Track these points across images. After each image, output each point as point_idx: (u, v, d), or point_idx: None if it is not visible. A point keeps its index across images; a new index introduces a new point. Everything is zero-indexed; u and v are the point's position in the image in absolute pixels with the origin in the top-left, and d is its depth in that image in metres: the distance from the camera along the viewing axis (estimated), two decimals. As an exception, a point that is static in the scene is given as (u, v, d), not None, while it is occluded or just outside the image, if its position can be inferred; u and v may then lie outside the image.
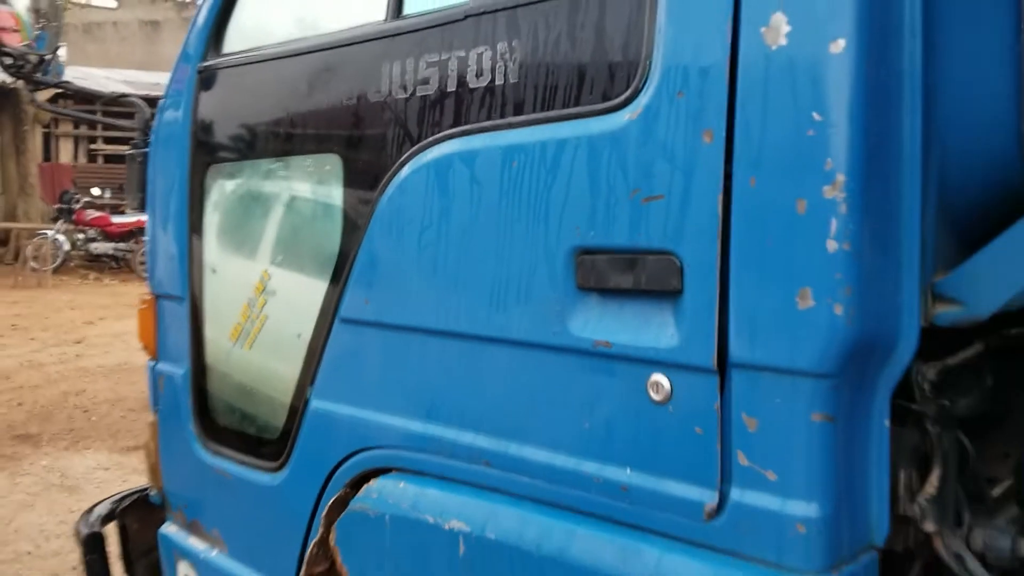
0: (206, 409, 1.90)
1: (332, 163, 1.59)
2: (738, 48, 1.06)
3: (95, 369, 8.34)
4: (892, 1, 1.02)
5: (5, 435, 6.36)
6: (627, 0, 1.17)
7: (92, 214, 15.79)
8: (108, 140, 19.07)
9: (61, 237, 15.33)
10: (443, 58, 1.38)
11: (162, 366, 2.05)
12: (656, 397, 1.13)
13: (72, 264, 15.70)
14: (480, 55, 1.34)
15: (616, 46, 1.18)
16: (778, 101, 1.02)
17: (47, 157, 18.03)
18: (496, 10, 1.32)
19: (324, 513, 1.56)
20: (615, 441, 1.17)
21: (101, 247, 15.87)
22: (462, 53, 1.36)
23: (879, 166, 1.01)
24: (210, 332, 1.88)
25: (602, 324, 1.18)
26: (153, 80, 21.34)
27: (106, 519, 2.23)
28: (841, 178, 0.98)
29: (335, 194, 1.58)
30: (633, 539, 1.15)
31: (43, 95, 2.33)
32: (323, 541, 1.56)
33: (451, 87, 1.37)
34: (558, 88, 1.25)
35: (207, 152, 1.87)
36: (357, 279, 1.51)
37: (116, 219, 15.94)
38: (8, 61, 2.11)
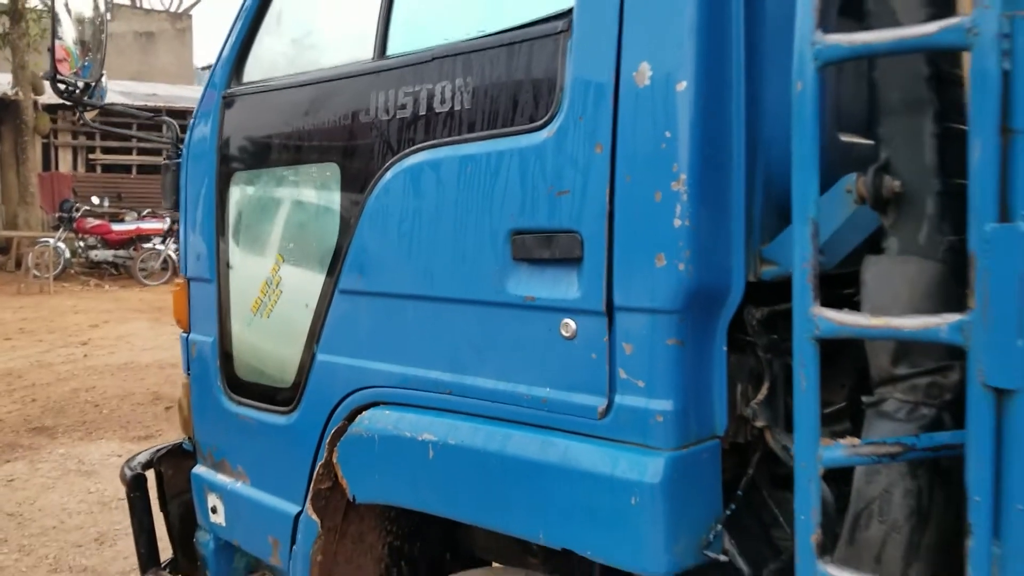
0: (231, 369, 2.36)
1: (331, 170, 2.05)
2: (619, 87, 1.52)
3: (102, 368, 8.77)
4: (722, 54, 1.48)
5: (22, 428, 6.79)
6: (546, 51, 1.63)
7: (92, 222, 16.21)
8: (106, 150, 19.47)
9: (62, 245, 15.74)
10: (416, 89, 1.84)
11: (194, 336, 2.51)
12: (566, 334, 1.59)
13: (73, 271, 16.11)
14: (443, 87, 1.80)
15: (539, 83, 1.64)
16: (644, 123, 1.48)
17: (47, 167, 18.44)
18: (455, 55, 1.78)
19: (328, 441, 2.02)
20: (538, 368, 1.63)
21: (101, 254, 16.29)
22: (430, 86, 1.82)
23: (712, 168, 1.47)
24: (234, 307, 2.34)
25: (529, 284, 1.64)
26: (148, 91, 21.81)
27: (146, 465, 2.68)
28: (683, 176, 1.44)
29: (334, 194, 2.04)
30: (550, 436, 1.60)
31: (88, 114, 2.78)
32: (327, 463, 2.02)
33: (422, 111, 1.83)
34: (499, 113, 1.70)
35: (230, 162, 2.33)
36: (352, 259, 1.97)
37: (116, 227, 16.38)
38: (61, 87, 2.56)
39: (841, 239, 1.53)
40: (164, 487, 2.68)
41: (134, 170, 19.79)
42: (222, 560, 2.56)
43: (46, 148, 18.46)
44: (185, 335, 2.58)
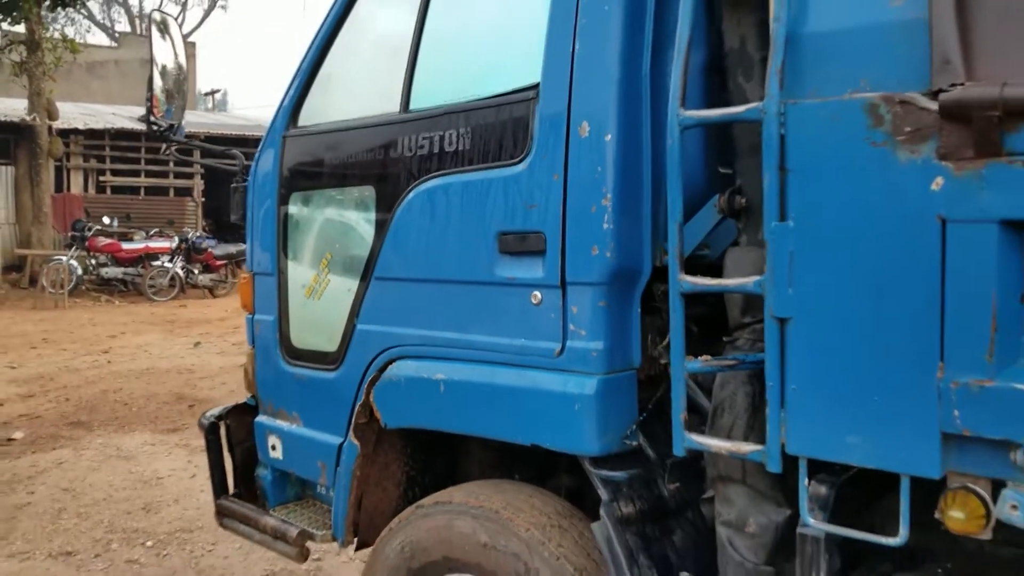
0: (288, 339, 3.13)
1: (368, 191, 2.83)
2: (569, 136, 2.30)
3: (126, 372, 9.51)
4: (636, 116, 2.26)
5: (61, 422, 7.53)
6: (521, 110, 2.41)
7: (103, 241, 16.98)
8: (115, 173, 20.25)
9: (74, 263, 16.48)
10: (431, 135, 2.63)
11: (258, 317, 3.29)
12: (535, 302, 2.36)
13: (84, 288, 16.87)
14: (451, 134, 2.58)
15: (517, 132, 2.42)
16: (585, 160, 2.26)
17: (59, 188, 19.21)
18: (459, 111, 2.56)
19: (365, 388, 2.78)
20: (515, 325, 2.40)
21: (111, 272, 17.06)
22: (441, 132, 2.60)
23: (628, 190, 2.24)
24: (291, 293, 3.11)
25: (510, 269, 2.41)
26: (156, 116, 22.60)
27: (218, 418, 3.44)
28: (609, 196, 2.22)
29: (370, 209, 2.82)
30: (523, 370, 2.38)
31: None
32: (365, 403, 2.78)
33: (436, 150, 2.61)
34: (489, 152, 2.49)
35: (289, 185, 3.12)
36: (384, 255, 2.74)
37: (126, 246, 17.15)
38: (154, 128, 3.34)
39: (718, 238, 2.31)
40: (230, 436, 3.44)
41: (142, 191, 20.59)
42: (277, 488, 3.34)
43: (58, 170, 19.25)
44: (250, 316, 3.35)
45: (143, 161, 20.45)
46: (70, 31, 29.93)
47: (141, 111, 23.17)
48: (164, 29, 3.40)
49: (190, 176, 21.01)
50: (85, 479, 5.97)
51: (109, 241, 17.08)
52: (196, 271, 17.37)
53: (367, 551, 2.96)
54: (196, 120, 23.57)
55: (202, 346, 11.30)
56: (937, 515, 1.73)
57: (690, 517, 2.36)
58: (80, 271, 16.66)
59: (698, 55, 2.29)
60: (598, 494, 2.30)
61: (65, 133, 18.89)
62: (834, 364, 1.77)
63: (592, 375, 2.26)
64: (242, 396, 3.50)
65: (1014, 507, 1.62)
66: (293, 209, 3.13)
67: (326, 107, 3.10)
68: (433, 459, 3.07)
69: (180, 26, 3.44)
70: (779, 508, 2.06)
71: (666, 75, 2.17)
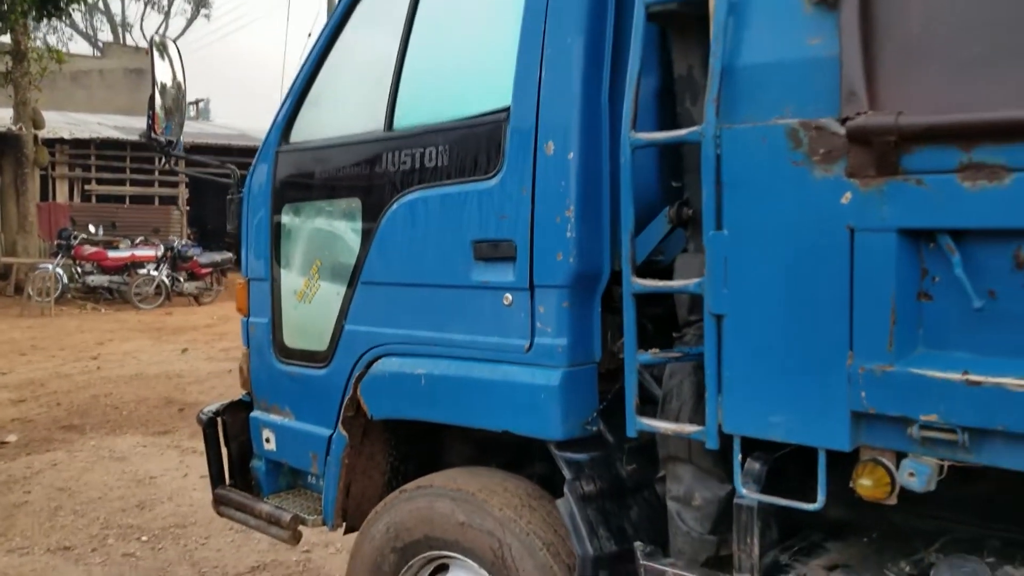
0: (280, 339, 3.38)
1: (355, 203, 3.09)
2: (536, 154, 2.56)
3: (116, 378, 9.70)
4: (596, 137, 2.52)
5: (53, 426, 7.73)
6: (494, 131, 2.67)
7: (89, 249, 17.12)
8: (100, 181, 20.40)
9: (60, 271, 16.61)
10: (413, 151, 2.89)
11: (252, 319, 3.53)
12: (506, 303, 2.62)
13: (70, 296, 16.99)
14: (431, 151, 2.84)
15: (490, 150, 2.68)
16: (550, 176, 2.53)
17: (44, 197, 19.33)
18: (438, 130, 2.82)
19: (353, 383, 3.03)
20: (489, 324, 2.66)
21: (97, 279, 17.20)
22: (422, 149, 2.86)
23: (589, 203, 2.51)
24: (284, 296, 3.36)
25: (484, 273, 2.67)
26: (141, 125, 22.76)
27: (215, 413, 3.67)
28: (572, 207, 2.48)
29: (357, 219, 3.07)
30: (496, 364, 2.63)
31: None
32: (353, 397, 3.03)
33: (417, 165, 2.87)
34: (465, 167, 2.75)
35: (281, 197, 3.37)
36: (370, 261, 3.00)
37: (111, 254, 17.30)
38: (155, 143, 3.58)
39: (671, 245, 2.59)
40: (227, 431, 3.68)
41: (127, 200, 20.74)
42: (271, 479, 3.58)
43: (44, 179, 19.39)
44: (245, 319, 3.59)
45: (128, 170, 20.63)
46: (52, 39, 29.93)
47: (126, 120, 23.37)
48: (164, 50, 3.63)
49: (175, 185, 21.18)
50: (80, 479, 6.18)
51: (95, 249, 17.23)
52: (182, 279, 17.54)
53: (351, 549, 3.20)
54: (181, 129, 23.72)
55: (190, 352, 11.50)
56: (851, 484, 2.00)
57: (645, 495, 2.62)
58: (66, 279, 16.80)
59: (651, 81, 2.57)
60: (563, 476, 2.56)
61: (51, 142, 19.04)
62: (761, 354, 2.03)
63: (557, 368, 2.53)
64: (231, 398, 3.72)
65: (911, 474, 1.89)
66: (285, 219, 3.38)
67: (316, 125, 3.35)
68: (415, 449, 3.32)
69: (175, 43, 3.68)
70: (721, 484, 2.32)
71: (623, 99, 2.43)
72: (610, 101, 2.53)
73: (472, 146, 2.74)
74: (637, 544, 2.44)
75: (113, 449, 6.95)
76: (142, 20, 47.25)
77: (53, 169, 19.54)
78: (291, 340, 3.37)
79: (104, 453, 6.84)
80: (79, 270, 17.17)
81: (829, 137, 1.91)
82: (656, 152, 2.59)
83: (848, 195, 1.89)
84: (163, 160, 3.75)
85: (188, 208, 21.33)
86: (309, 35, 30.92)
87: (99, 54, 32.26)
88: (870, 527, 2.42)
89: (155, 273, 17.15)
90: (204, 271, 17.77)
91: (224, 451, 3.70)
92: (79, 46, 40.22)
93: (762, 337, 2.04)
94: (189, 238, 20.18)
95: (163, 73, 3.61)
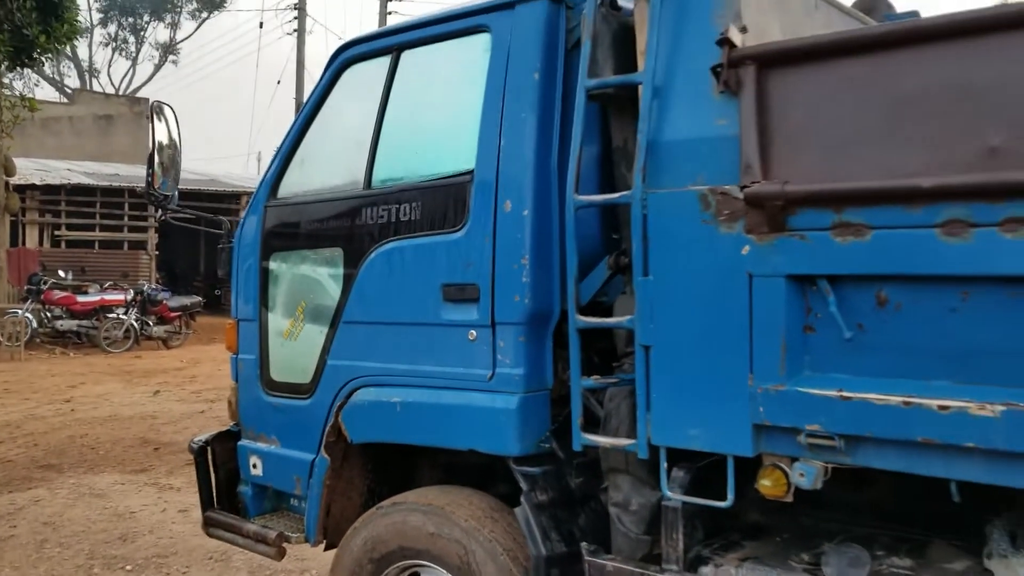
0: (267, 374, 3.76)
1: (338, 252, 3.50)
2: (496, 210, 2.99)
3: (90, 419, 9.91)
4: (548, 197, 2.96)
5: (32, 465, 7.95)
6: (460, 189, 3.10)
7: (59, 294, 17.26)
8: (70, 227, 20.59)
9: (30, 315, 16.73)
10: (389, 207, 3.31)
11: (241, 356, 3.90)
12: (471, 339, 3.04)
13: (38, 340, 17.08)
14: (404, 206, 3.26)
15: (457, 206, 3.11)
16: (508, 230, 2.96)
17: (14, 243, 19.47)
18: (411, 189, 3.25)
19: (334, 412, 3.42)
20: (456, 358, 3.07)
21: (66, 324, 17.31)
22: (397, 205, 3.28)
23: (541, 252, 2.94)
24: (271, 335, 3.75)
25: (452, 313, 3.09)
26: (111, 171, 23.05)
27: (204, 443, 4.03)
28: (527, 257, 2.91)
29: (339, 266, 3.48)
30: (462, 391, 3.04)
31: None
32: (334, 425, 3.41)
33: (393, 219, 3.29)
34: (435, 221, 3.17)
35: (269, 246, 3.77)
36: (351, 303, 3.40)
37: (81, 298, 17.44)
38: (152, 197, 3.97)
39: (613, 288, 3.02)
40: (215, 458, 4.03)
41: (96, 245, 20.94)
42: (257, 502, 3.93)
43: (14, 225, 19.54)
44: (234, 356, 3.96)
45: (98, 215, 20.86)
46: (19, 85, 30.13)
47: (96, 166, 23.63)
48: (160, 113, 4.03)
49: (144, 230, 21.43)
50: (63, 514, 6.43)
51: (64, 294, 17.37)
52: (151, 323, 17.71)
53: (332, 562, 3.56)
54: (150, 175, 24.00)
55: (162, 394, 11.73)
56: (756, 485, 2.42)
57: (591, 503, 3.02)
58: (35, 324, 16.92)
59: (593, 150, 3.02)
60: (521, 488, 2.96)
61: (21, 188, 19.25)
62: (681, 378, 2.47)
63: (515, 394, 2.94)
64: (219, 429, 4.08)
65: (801, 475, 2.32)
66: (273, 266, 3.78)
67: (301, 183, 3.76)
68: (389, 473, 3.69)
69: (170, 107, 4.08)
70: (653, 491, 2.72)
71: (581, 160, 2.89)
72: (559, 166, 2.98)
73: (441, 203, 3.17)
74: (583, 544, 2.84)
75: (92, 487, 7.19)
76: (109, 66, 47.44)
77: (23, 215, 19.70)
78: (277, 374, 3.75)
79: (84, 490, 7.08)
80: (48, 315, 17.29)
81: (731, 201, 2.36)
82: (598, 209, 3.04)
83: (747, 248, 2.34)
84: (160, 212, 4.14)
85: (157, 253, 21.56)
86: (278, 82, 31.47)
87: (67, 100, 32.48)
88: (783, 529, 2.84)
89: (124, 317, 17.31)
90: (173, 315, 17.97)
91: (213, 477, 4.04)
92: (45, 91, 40.40)
93: (681, 364, 2.47)
94: (158, 282, 20.38)
95: (161, 133, 4.01)
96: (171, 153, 4.06)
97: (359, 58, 3.58)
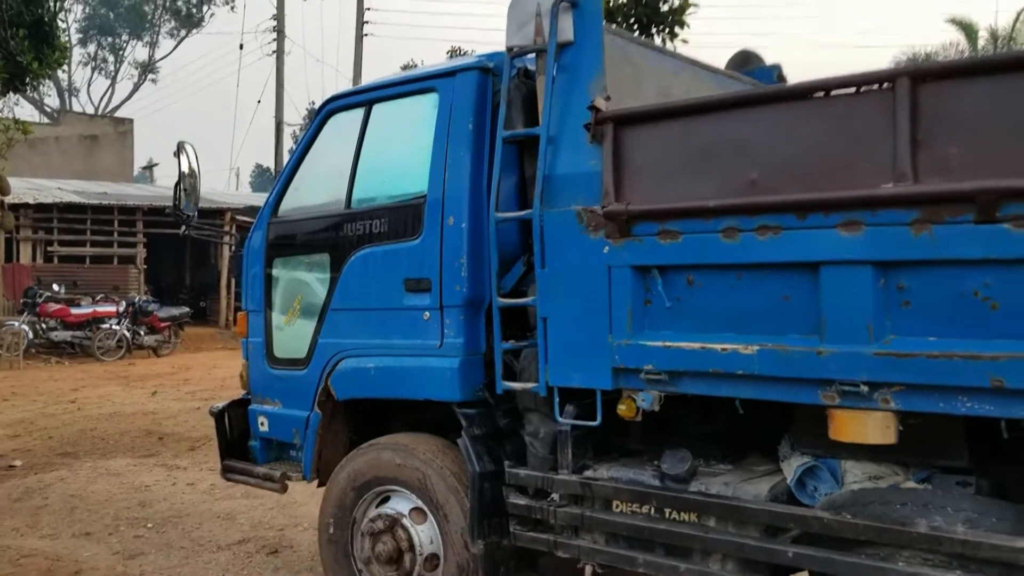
0: (271, 352, 4.85)
1: (325, 257, 4.60)
2: (443, 224, 4.11)
3: (96, 416, 10.92)
4: (480, 214, 4.07)
5: (50, 453, 8.97)
6: (416, 209, 4.21)
7: (53, 306, 18.21)
8: (62, 243, 21.52)
9: (26, 327, 17.66)
10: (365, 222, 4.42)
11: (251, 339, 5.00)
12: (425, 318, 4.14)
13: (33, 350, 17.99)
14: (375, 222, 4.38)
15: (415, 221, 4.22)
16: (452, 238, 4.07)
17: (8, 259, 20.38)
18: (381, 208, 4.37)
19: (324, 377, 4.51)
20: (415, 333, 4.18)
21: (61, 335, 18.26)
22: (371, 220, 4.39)
23: (476, 254, 4.04)
24: (274, 321, 4.85)
25: (411, 300, 4.19)
26: (100, 189, 23.99)
27: (221, 409, 5.11)
28: (464, 258, 4.02)
29: (327, 268, 4.58)
30: (419, 357, 4.15)
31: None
32: (324, 387, 4.51)
33: (368, 231, 4.40)
34: (399, 232, 4.28)
35: (272, 253, 4.87)
36: (336, 295, 4.50)
37: (74, 310, 18.39)
38: (179, 217, 5.05)
39: (530, 280, 4.14)
40: (230, 420, 5.11)
41: (87, 260, 21.87)
42: (264, 453, 5.01)
43: (8, 242, 20.45)
44: (245, 339, 5.05)
45: (88, 232, 21.79)
46: None
47: (84, 184, 24.56)
48: (184, 151, 5.11)
49: (133, 245, 22.37)
50: (86, 488, 7.47)
51: (59, 306, 18.32)
52: (142, 332, 18.69)
53: (323, 494, 4.63)
54: (136, 193, 25.01)
55: (159, 394, 12.75)
56: (617, 411, 3.54)
57: (513, 437, 4.12)
58: (31, 335, 17.84)
59: (513, 178, 4.13)
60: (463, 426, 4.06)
61: (15, 207, 20.14)
62: (566, 338, 3.58)
63: (457, 357, 4.05)
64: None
65: (642, 400, 3.44)
66: (275, 268, 4.88)
67: (296, 204, 4.87)
68: (366, 426, 4.78)
69: (191, 145, 5.14)
70: (555, 423, 3.83)
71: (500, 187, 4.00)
72: (488, 191, 4.09)
73: (403, 218, 4.28)
74: (506, 463, 3.95)
75: (108, 468, 8.23)
76: (89, 85, 48.31)
77: (17, 232, 20.59)
78: (279, 352, 4.85)
79: (101, 471, 8.11)
80: (44, 326, 18.22)
81: (596, 217, 3.49)
82: (518, 223, 4.15)
83: (606, 248, 3.46)
84: (184, 228, 5.22)
85: (145, 267, 22.50)
86: (259, 102, 32.48)
87: (47, 120, 33.35)
88: (652, 454, 3.95)
89: (117, 328, 18.29)
90: (163, 325, 18.95)
91: (228, 435, 5.12)
92: (25, 110, 41.13)
93: (566, 328, 3.59)
94: (146, 294, 21.32)
95: (184, 166, 5.10)
96: (192, 181, 5.16)
97: (340, 109, 4.71)
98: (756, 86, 5.03)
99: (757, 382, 3.17)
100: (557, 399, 3.66)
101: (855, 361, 2.93)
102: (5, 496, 7.28)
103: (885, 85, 2.94)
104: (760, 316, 3.18)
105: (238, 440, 5.13)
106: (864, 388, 2.92)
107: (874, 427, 2.99)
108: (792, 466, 3.48)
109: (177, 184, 5.05)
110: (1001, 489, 3.23)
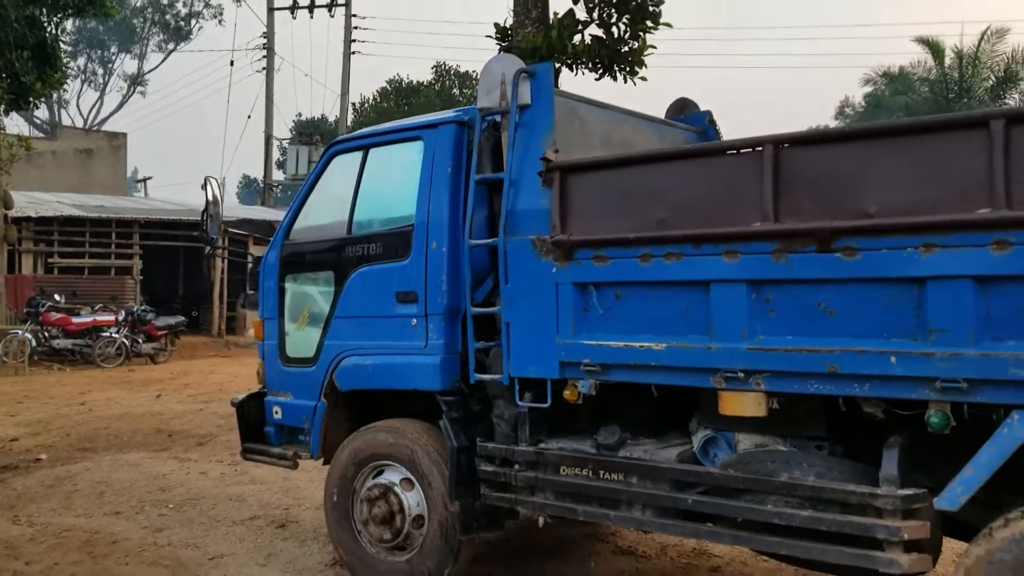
0: (284, 352, 5.83)
1: (330, 274, 5.59)
2: (427, 247, 5.10)
3: (108, 416, 11.82)
4: (458, 240, 5.06)
5: (71, 448, 9.87)
6: (405, 234, 5.20)
7: (55, 315, 19.06)
8: (62, 255, 22.38)
9: (29, 335, 18.50)
10: (364, 245, 5.41)
11: (266, 342, 5.98)
12: (413, 324, 5.13)
13: (36, 358, 18.81)
14: (373, 245, 5.36)
15: (405, 244, 5.21)
16: (435, 259, 5.06)
17: (11, 270, 21.23)
18: (377, 234, 5.36)
19: (330, 373, 5.49)
20: (404, 336, 5.16)
21: (62, 343, 19.09)
22: (369, 244, 5.38)
23: (454, 272, 5.02)
24: (287, 327, 5.83)
25: (401, 309, 5.18)
26: (97, 203, 24.87)
27: (241, 401, 6.08)
28: (445, 275, 5.02)
29: (331, 283, 5.56)
30: (408, 355, 5.13)
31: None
32: (329, 381, 5.48)
33: (366, 253, 5.38)
34: (392, 253, 5.27)
35: (285, 269, 5.85)
36: (340, 305, 5.48)
37: (75, 319, 19.26)
38: (204, 238, 6.02)
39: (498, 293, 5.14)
40: (249, 409, 6.08)
41: (86, 271, 22.73)
42: (277, 437, 5.99)
43: (11, 254, 21.28)
44: (261, 343, 6.03)
45: (87, 244, 22.67)
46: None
47: (82, 198, 25.45)
48: (209, 183, 6.10)
49: (129, 257, 23.26)
50: (110, 476, 8.39)
51: (61, 315, 19.17)
52: (140, 340, 19.56)
53: (328, 470, 5.59)
54: (132, 206, 25.90)
55: (163, 398, 13.64)
56: (564, 396, 4.52)
57: (484, 419, 5.09)
58: (34, 343, 18.68)
59: (485, 211, 5.12)
60: (443, 410, 5.03)
61: (17, 220, 21.04)
62: (524, 339, 4.58)
63: (438, 355, 5.04)
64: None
65: (573, 388, 4.45)
66: (287, 284, 5.86)
67: (306, 229, 5.86)
68: (364, 414, 5.75)
69: (216, 180, 6.09)
70: (517, 406, 4.81)
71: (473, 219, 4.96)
72: (464, 222, 5.08)
73: (395, 243, 5.27)
74: (478, 439, 4.93)
75: (126, 460, 9.14)
76: (79, 98, 49.08)
77: (19, 244, 21.45)
78: (291, 352, 5.83)
79: (121, 463, 9.03)
80: (45, 334, 19.06)
81: (546, 244, 4.48)
82: (488, 248, 5.13)
83: (554, 269, 4.46)
84: (209, 248, 6.19)
85: (141, 278, 23.38)
86: (249, 117, 33.38)
87: (38, 132, 34.16)
88: (591, 431, 4.93)
89: (116, 336, 19.15)
90: (160, 333, 19.82)
91: (248, 422, 6.10)
92: (15, 122, 41.84)
93: (524, 331, 4.58)
94: (142, 304, 22.18)
95: (210, 195, 6.08)
96: (216, 209, 6.14)
97: (343, 151, 5.71)
98: (689, 130, 6.08)
99: (666, 371, 4.17)
100: (517, 387, 4.65)
101: (735, 354, 3.92)
102: (38, 483, 8.19)
103: (757, 149, 3.95)
104: (668, 321, 4.17)
105: (255, 426, 6.10)
106: (741, 374, 3.91)
107: (750, 404, 4.00)
108: (698, 437, 4.48)
109: (204, 212, 6.02)
110: (852, 453, 4.24)
